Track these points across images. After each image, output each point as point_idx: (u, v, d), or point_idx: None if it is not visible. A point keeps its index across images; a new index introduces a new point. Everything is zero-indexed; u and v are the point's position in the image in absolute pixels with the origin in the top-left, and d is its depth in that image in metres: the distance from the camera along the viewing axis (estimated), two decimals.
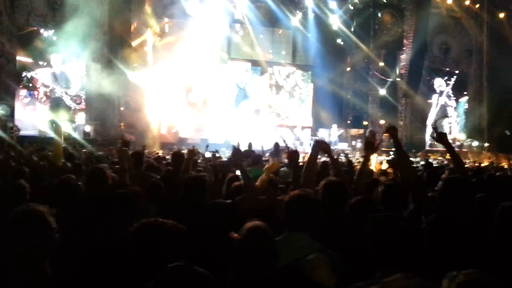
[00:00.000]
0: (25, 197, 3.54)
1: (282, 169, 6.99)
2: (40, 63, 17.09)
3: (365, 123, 22.04)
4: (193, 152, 5.14)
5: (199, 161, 7.99)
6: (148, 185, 4.08)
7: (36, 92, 17.26)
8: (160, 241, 1.89)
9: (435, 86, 22.81)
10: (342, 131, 21.52)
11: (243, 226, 2.26)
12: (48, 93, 17.31)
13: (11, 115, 15.63)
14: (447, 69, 23.00)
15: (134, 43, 18.08)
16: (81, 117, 17.58)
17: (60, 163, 5.86)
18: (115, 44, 17.24)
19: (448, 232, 2.35)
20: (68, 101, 17.52)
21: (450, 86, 22.98)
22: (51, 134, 15.30)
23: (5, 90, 16.15)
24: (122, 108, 18.32)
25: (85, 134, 16.54)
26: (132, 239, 1.91)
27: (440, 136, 4.16)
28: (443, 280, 1.70)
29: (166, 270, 1.54)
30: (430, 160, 12.23)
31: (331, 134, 21.45)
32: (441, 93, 22.90)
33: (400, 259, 2.15)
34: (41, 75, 17.22)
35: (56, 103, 17.28)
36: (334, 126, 21.46)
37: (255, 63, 22.27)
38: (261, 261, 2.15)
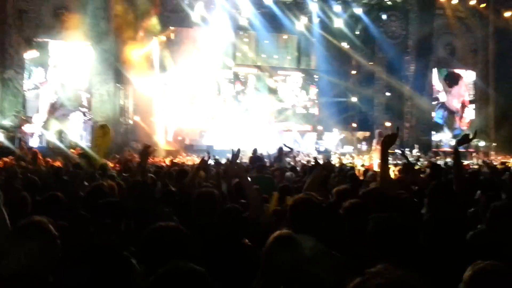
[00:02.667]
0: (27, 209, 3.61)
1: (288, 173, 7.06)
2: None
3: (370, 125, 22.03)
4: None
5: None
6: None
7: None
8: (168, 242, 2.09)
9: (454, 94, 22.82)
10: (343, 135, 21.51)
11: (272, 235, 2.32)
12: (54, 104, 17.46)
13: (19, 126, 15.83)
14: (453, 70, 22.95)
15: (141, 52, 18.26)
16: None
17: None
18: (121, 53, 17.42)
19: (444, 230, 2.40)
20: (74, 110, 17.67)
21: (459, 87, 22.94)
22: (59, 144, 15.55)
23: (13, 101, 16.37)
24: (129, 116, 18.48)
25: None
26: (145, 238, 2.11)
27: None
28: (468, 268, 1.77)
29: (167, 267, 1.65)
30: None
31: (333, 138, 21.44)
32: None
33: (399, 257, 2.19)
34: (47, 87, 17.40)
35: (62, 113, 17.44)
36: (335, 130, 21.46)
37: (260, 68, 22.37)
38: (290, 269, 2.21)
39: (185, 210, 3.87)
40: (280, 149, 12.22)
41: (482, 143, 21.03)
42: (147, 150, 4.92)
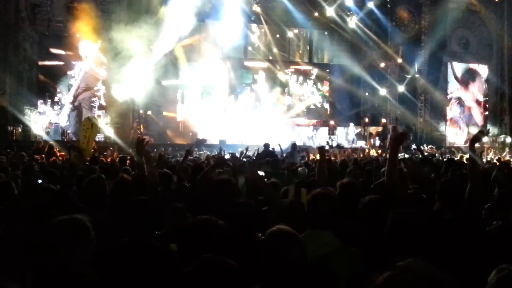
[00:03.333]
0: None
1: (300, 168, 7.06)
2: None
3: (383, 120, 21.89)
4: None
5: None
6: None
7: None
8: (211, 234, 2.22)
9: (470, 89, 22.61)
10: (360, 129, 21.41)
11: (268, 233, 2.29)
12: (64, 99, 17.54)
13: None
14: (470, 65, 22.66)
15: (153, 47, 18.29)
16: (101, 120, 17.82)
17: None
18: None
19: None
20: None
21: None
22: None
23: (28, 96, 16.54)
24: (141, 111, 18.56)
25: (106, 137, 16.82)
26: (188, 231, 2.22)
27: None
28: (493, 272, 1.75)
29: (201, 259, 1.68)
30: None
31: (349, 133, 21.37)
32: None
33: (417, 253, 2.19)
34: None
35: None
36: (351, 125, 21.38)
37: (272, 63, 22.31)
38: (289, 263, 2.20)
39: (200, 205, 3.92)
40: (294, 145, 12.28)
41: (509, 139, 20.66)
42: (141, 143, 4.93)
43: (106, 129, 17.02)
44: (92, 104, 17.61)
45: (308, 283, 2.10)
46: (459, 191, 3.62)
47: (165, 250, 2.56)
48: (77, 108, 17.33)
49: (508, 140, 20.93)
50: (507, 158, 13.43)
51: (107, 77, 17.44)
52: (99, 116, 17.04)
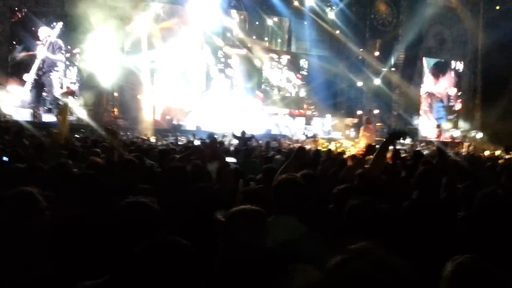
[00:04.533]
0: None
1: (277, 156, 7.10)
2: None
3: (358, 112, 22.11)
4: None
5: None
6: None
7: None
8: (142, 216, 2.05)
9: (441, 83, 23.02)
10: (336, 121, 21.59)
11: (231, 209, 2.29)
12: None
13: None
14: (442, 60, 23.09)
15: (129, 28, 17.95)
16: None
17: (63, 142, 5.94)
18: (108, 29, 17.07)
19: (423, 217, 2.44)
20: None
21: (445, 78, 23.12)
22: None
23: None
24: (115, 94, 18.25)
25: (78, 119, 16.50)
26: (118, 215, 2.06)
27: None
28: (447, 263, 1.76)
29: (151, 239, 1.64)
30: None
31: (325, 124, 21.52)
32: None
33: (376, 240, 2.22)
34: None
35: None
36: (328, 116, 21.53)
37: (250, 50, 22.19)
38: (249, 243, 2.19)
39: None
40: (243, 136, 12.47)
41: (479, 135, 21.21)
42: (111, 131, 4.92)
43: (80, 111, 16.69)
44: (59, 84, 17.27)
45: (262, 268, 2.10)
46: (436, 181, 3.69)
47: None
48: (38, 87, 16.94)
49: (479, 135, 21.47)
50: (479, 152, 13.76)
51: (78, 59, 17.10)
52: (65, 95, 16.75)
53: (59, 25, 16.87)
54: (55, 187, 3.24)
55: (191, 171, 4.26)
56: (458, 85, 23.41)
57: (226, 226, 2.23)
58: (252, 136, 12.90)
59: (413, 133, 20.99)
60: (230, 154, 7.97)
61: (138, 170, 4.34)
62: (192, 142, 9.75)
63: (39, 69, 17.04)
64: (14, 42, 16.80)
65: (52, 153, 5.60)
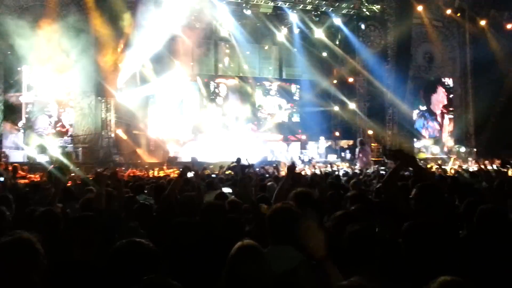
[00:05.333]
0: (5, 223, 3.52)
1: (269, 183, 7.06)
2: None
3: (359, 139, 22.18)
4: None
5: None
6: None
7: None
8: (135, 259, 1.97)
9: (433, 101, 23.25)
10: (330, 142, 21.61)
11: (234, 248, 2.26)
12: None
13: None
14: (432, 78, 23.36)
15: (121, 64, 18.12)
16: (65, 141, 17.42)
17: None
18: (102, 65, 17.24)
19: (424, 238, 2.38)
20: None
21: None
22: (40, 159, 15.30)
23: None
24: (111, 130, 18.26)
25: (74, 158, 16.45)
26: (109, 258, 1.98)
27: (394, 154, 4.20)
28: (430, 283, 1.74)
29: (143, 282, 1.60)
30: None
31: (319, 146, 21.54)
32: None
33: (373, 266, 2.18)
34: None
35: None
36: (322, 138, 21.59)
37: (242, 79, 22.41)
38: (254, 280, 2.15)
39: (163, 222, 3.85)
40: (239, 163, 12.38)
41: (463, 149, 21.38)
42: (100, 176, 4.81)
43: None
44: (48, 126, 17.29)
45: None
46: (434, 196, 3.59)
47: None
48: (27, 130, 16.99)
49: (462, 149, 21.59)
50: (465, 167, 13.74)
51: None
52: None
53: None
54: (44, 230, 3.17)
55: (181, 202, 4.22)
56: (449, 101, 23.63)
57: (231, 262, 2.19)
58: (251, 165, 12.83)
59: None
60: (226, 184, 7.92)
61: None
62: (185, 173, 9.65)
63: (29, 112, 17.10)
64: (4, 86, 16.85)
65: (47, 193, 5.55)
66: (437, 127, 23.44)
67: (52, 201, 4.37)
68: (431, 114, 23.43)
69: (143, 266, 1.93)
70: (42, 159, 15.24)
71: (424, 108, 23.24)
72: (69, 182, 8.21)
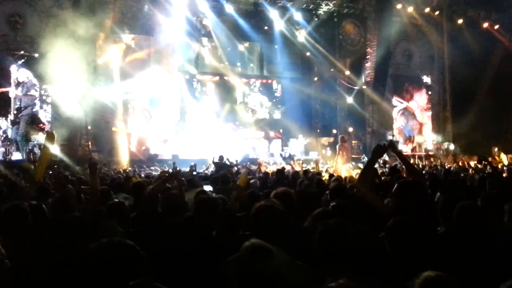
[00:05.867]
0: None
1: (252, 181, 7.06)
2: None
3: (334, 131, 22.32)
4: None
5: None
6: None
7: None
8: (117, 260, 1.85)
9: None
10: (307, 140, 21.72)
11: (243, 247, 2.22)
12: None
13: None
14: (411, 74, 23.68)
15: (100, 60, 17.85)
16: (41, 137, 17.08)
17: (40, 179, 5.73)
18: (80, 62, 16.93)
19: (407, 235, 2.40)
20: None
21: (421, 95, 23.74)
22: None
23: None
24: (89, 127, 17.97)
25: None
26: (89, 259, 1.88)
27: (391, 145, 4.27)
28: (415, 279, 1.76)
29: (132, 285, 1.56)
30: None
31: (299, 144, 21.62)
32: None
33: (350, 265, 2.18)
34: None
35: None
36: (300, 136, 21.68)
37: (223, 76, 22.32)
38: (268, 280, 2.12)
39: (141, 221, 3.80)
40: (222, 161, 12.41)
41: (452, 146, 21.70)
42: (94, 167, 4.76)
43: (53, 147, 16.29)
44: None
45: None
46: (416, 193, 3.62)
47: None
48: (16, 123, 16.64)
49: (451, 147, 21.94)
50: (449, 165, 13.97)
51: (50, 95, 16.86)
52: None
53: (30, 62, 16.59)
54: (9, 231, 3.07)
55: (164, 201, 4.17)
56: (428, 99, 23.97)
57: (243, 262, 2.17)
58: (235, 164, 12.85)
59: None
60: (207, 181, 7.88)
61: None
62: (168, 171, 9.59)
63: (17, 108, 16.75)
64: None
65: (23, 192, 5.41)
66: (417, 125, 23.75)
67: (26, 197, 4.27)
68: (410, 112, 23.73)
69: (127, 269, 1.83)
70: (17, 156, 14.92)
71: (403, 106, 23.53)
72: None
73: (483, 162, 9.59)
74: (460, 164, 11.41)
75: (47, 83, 16.75)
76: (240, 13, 20.63)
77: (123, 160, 17.48)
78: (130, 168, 15.83)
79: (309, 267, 2.55)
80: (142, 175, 10.72)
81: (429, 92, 23.97)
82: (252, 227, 2.77)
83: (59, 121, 16.95)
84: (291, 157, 18.52)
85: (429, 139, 23.43)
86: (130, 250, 1.91)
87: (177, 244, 3.11)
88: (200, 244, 3.10)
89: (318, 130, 23.06)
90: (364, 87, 21.99)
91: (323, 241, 2.32)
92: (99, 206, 4.17)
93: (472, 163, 12.47)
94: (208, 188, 6.31)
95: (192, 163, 9.01)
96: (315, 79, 22.87)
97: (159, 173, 11.27)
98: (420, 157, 19.61)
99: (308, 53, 22.14)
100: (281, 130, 22.89)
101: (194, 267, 2.91)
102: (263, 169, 12.65)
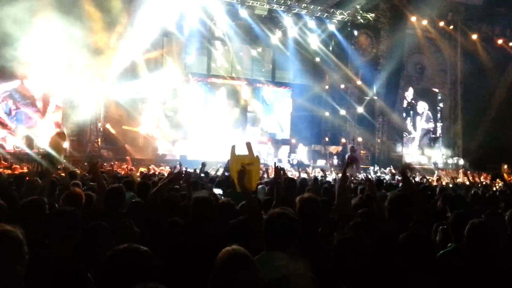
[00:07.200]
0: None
1: (259, 186, 7.01)
2: None
3: (343, 140, 22.27)
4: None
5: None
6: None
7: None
8: (131, 266, 1.90)
9: (418, 110, 23.45)
10: (319, 148, 21.68)
11: (221, 253, 2.12)
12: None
13: None
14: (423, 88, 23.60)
15: (113, 58, 17.95)
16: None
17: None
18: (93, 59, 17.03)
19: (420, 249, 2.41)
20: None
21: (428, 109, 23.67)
22: (27, 150, 15.07)
23: None
24: (100, 124, 18.09)
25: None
26: (105, 265, 1.93)
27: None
28: None
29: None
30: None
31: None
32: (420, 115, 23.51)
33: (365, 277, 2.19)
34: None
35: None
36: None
37: (234, 80, 22.36)
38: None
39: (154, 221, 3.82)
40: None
41: (461, 161, 21.54)
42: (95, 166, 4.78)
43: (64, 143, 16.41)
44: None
45: None
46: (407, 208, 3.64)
47: None
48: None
49: (461, 162, 21.78)
50: (459, 180, 13.86)
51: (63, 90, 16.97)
52: None
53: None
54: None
55: (164, 201, 4.18)
56: (440, 112, 23.88)
57: (216, 269, 2.11)
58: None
59: (397, 160, 21.15)
60: (217, 184, 7.87)
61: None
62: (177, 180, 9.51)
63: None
64: None
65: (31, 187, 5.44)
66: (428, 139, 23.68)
67: (41, 193, 4.29)
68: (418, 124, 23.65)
69: (139, 273, 1.86)
70: (29, 150, 15.01)
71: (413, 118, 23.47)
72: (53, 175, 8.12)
73: (498, 179, 9.51)
74: (470, 179, 11.29)
75: None
76: (254, 19, 20.71)
77: (132, 159, 17.52)
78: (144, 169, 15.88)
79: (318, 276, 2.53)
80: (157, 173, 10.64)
81: (441, 105, 23.87)
82: (264, 234, 2.76)
83: (69, 116, 17.05)
84: (299, 164, 18.45)
85: (438, 153, 23.31)
86: (145, 257, 1.95)
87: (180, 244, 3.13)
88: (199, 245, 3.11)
89: (327, 139, 23.01)
90: (375, 97, 21.93)
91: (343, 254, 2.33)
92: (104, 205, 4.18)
93: (482, 179, 12.37)
94: (218, 191, 6.30)
95: (203, 161, 8.89)
96: (326, 87, 22.85)
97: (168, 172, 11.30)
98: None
99: (320, 61, 22.15)
100: (290, 137, 22.87)
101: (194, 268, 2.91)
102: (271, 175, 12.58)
